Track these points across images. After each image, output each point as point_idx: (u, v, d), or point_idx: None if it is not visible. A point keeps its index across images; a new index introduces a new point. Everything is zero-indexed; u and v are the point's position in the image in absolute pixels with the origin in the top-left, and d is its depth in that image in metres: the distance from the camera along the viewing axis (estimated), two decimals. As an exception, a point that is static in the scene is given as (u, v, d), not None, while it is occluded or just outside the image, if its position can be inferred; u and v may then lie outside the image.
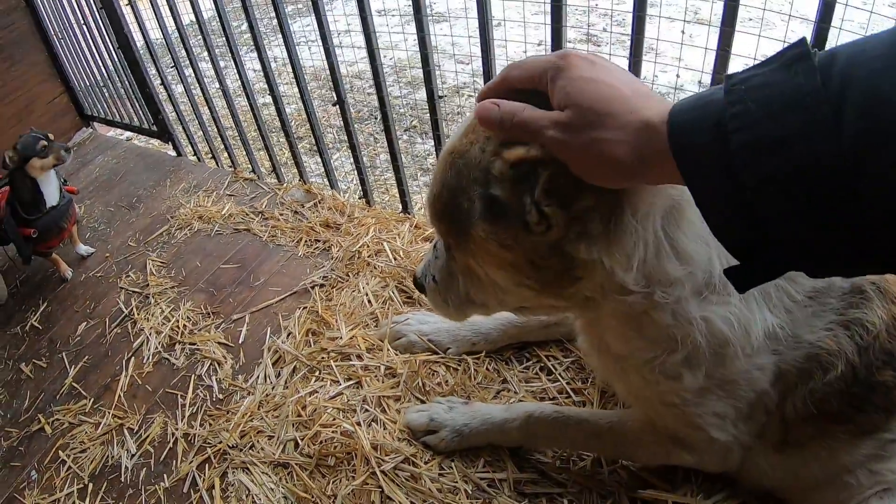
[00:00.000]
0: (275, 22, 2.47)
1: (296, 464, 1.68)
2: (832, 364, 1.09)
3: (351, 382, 1.87)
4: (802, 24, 2.06)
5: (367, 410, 1.77)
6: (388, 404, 1.78)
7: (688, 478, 1.47)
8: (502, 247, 0.98)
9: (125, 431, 1.99)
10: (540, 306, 1.17)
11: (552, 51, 1.82)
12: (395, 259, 2.30)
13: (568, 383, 1.74)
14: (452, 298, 1.23)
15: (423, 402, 1.77)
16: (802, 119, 0.56)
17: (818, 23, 1.46)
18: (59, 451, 2.00)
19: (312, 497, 1.60)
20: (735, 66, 1.68)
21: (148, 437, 1.95)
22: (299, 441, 1.74)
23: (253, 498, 1.66)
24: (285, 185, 3.05)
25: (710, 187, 0.64)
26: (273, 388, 1.94)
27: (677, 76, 4.28)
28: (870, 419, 1.15)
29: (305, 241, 2.58)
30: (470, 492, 1.54)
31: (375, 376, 1.87)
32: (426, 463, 1.61)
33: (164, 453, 1.88)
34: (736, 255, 0.67)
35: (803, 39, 0.60)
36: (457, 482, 1.56)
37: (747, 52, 1.83)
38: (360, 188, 2.81)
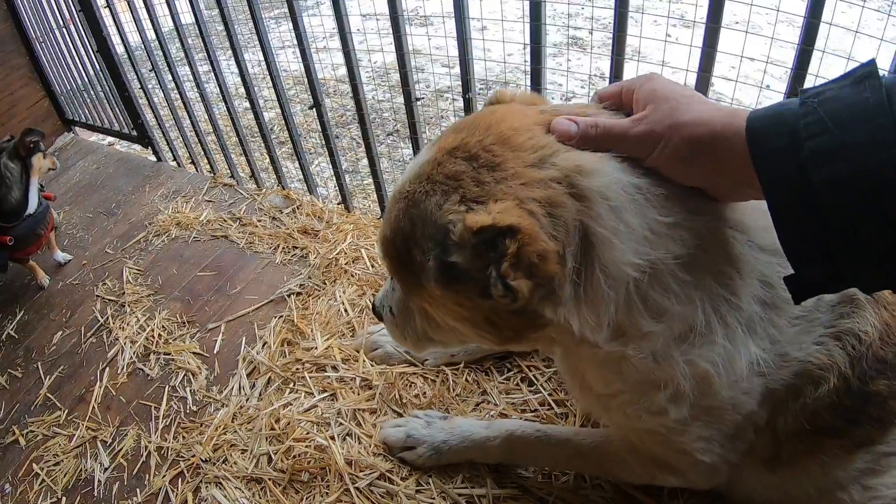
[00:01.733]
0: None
1: (269, 479, 1.64)
2: (824, 378, 1.05)
3: (325, 395, 1.83)
4: (789, 28, 2.03)
5: (341, 424, 1.73)
6: (364, 417, 1.74)
7: (674, 493, 1.43)
8: (458, 305, 0.96)
9: (98, 444, 1.94)
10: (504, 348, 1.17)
11: (532, 52, 1.79)
12: (372, 266, 2.26)
13: (550, 394, 1.70)
14: (410, 333, 1.21)
15: (400, 414, 1.72)
16: (867, 129, 0.64)
17: (807, 19, 1.44)
18: (34, 464, 1.94)
19: (286, 514, 1.55)
20: (720, 67, 1.66)
21: (121, 449, 1.89)
22: (272, 455, 1.69)
23: (226, 514, 1.61)
24: (264, 190, 3.01)
25: (783, 188, 0.71)
26: (247, 400, 1.90)
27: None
28: (864, 432, 1.11)
29: (283, 248, 2.54)
30: (447, 509, 1.49)
31: (351, 388, 1.83)
32: (403, 479, 1.57)
33: (138, 467, 1.83)
34: (796, 262, 0.75)
35: (872, 60, 0.68)
36: (434, 499, 1.51)
37: (735, 50, 1.79)
38: (339, 193, 2.77)
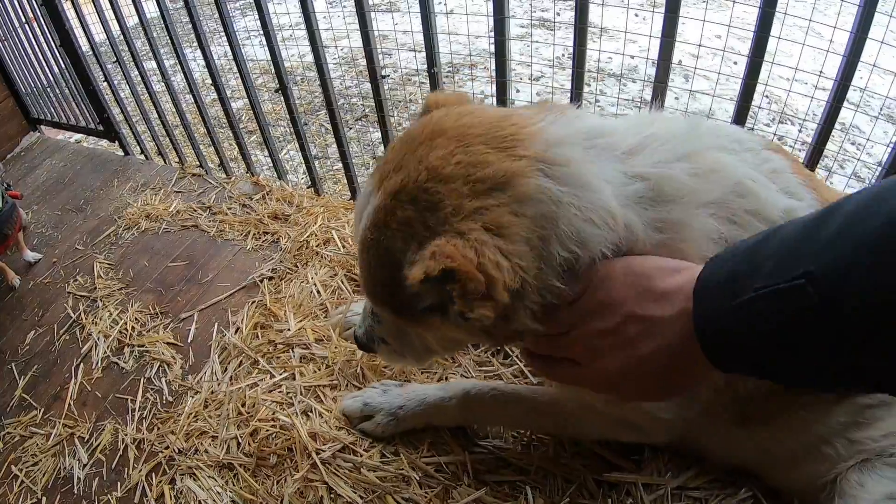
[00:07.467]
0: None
1: (239, 464, 1.62)
2: None
3: (286, 374, 1.83)
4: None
5: (302, 401, 1.72)
6: (325, 393, 1.74)
7: (655, 457, 1.43)
8: (455, 326, 0.96)
9: (76, 441, 1.91)
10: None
11: (495, 23, 1.79)
12: (343, 247, 2.26)
13: (526, 365, 1.69)
14: (410, 352, 1.21)
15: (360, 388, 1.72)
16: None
17: (762, 8, 1.49)
18: (12, 466, 1.91)
19: (259, 499, 1.54)
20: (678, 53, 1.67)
21: (99, 445, 1.86)
22: (240, 439, 1.68)
23: (202, 504, 1.59)
24: (233, 178, 2.99)
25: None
26: (218, 385, 1.88)
27: (632, 57, 4.34)
28: None
29: (254, 234, 2.53)
30: (419, 479, 1.48)
31: (314, 367, 1.83)
32: (366, 451, 1.56)
33: (116, 461, 1.81)
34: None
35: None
36: (403, 469, 1.50)
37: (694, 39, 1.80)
38: (309, 178, 2.76)
